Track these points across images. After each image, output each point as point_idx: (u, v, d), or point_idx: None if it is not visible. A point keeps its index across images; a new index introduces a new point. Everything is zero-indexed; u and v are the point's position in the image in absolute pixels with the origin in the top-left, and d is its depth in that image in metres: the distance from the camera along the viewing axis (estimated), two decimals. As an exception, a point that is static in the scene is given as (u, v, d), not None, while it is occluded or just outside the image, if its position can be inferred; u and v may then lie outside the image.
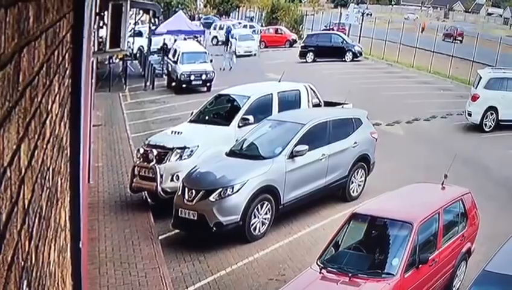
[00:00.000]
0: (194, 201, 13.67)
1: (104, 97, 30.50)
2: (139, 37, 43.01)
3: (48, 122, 3.09)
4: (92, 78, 15.79)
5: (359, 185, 16.69)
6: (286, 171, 14.52)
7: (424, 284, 10.44)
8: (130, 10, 18.05)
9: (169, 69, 35.37)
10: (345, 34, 56.56)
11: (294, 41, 59.79)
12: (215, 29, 63.54)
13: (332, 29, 63.18)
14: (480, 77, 25.45)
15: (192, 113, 18.37)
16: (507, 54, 39.44)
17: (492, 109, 24.62)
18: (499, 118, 24.69)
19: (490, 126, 24.72)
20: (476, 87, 25.30)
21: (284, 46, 58.83)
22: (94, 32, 12.34)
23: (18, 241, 2.12)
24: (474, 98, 24.86)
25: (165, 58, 38.34)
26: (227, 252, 13.36)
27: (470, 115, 25.01)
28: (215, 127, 17.08)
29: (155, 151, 15.73)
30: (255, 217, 13.88)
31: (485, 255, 10.98)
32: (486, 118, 24.70)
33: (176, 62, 34.14)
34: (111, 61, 36.11)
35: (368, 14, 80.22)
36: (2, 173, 1.84)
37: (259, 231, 13.99)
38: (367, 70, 43.07)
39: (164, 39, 43.10)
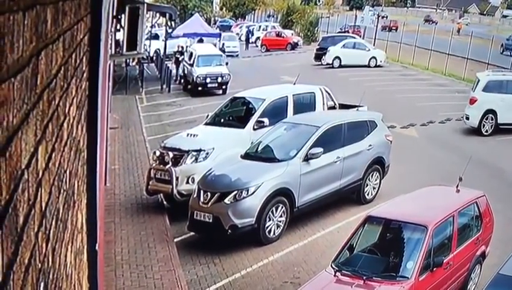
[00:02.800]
0: (209, 203, 13.69)
1: (121, 100, 30.60)
2: (156, 40, 43.09)
3: (65, 124, 3.11)
4: (109, 81, 15.83)
5: (374, 188, 16.65)
6: (301, 174, 14.51)
7: (439, 287, 10.41)
8: (146, 13, 18.11)
9: (185, 71, 35.40)
10: (360, 36, 56.43)
11: (296, 44, 58.98)
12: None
13: (348, 32, 63.07)
14: (479, 80, 25.05)
15: (207, 115, 18.41)
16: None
17: (491, 112, 24.15)
18: (498, 122, 24.20)
19: (489, 129, 24.26)
20: (474, 90, 24.85)
21: (286, 49, 57.99)
22: (111, 35, 12.38)
23: (35, 243, 2.14)
24: (472, 101, 24.41)
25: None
26: (242, 254, 13.38)
27: (467, 118, 24.60)
28: (231, 129, 17.10)
29: (171, 154, 15.78)
30: (269, 219, 13.88)
31: (499, 258, 10.94)
32: (484, 122, 24.25)
33: (191, 65, 34.11)
34: (128, 63, 36.21)
35: (383, 17, 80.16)
36: (19, 176, 1.86)
37: (274, 233, 14.00)
38: (382, 72, 42.96)
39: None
